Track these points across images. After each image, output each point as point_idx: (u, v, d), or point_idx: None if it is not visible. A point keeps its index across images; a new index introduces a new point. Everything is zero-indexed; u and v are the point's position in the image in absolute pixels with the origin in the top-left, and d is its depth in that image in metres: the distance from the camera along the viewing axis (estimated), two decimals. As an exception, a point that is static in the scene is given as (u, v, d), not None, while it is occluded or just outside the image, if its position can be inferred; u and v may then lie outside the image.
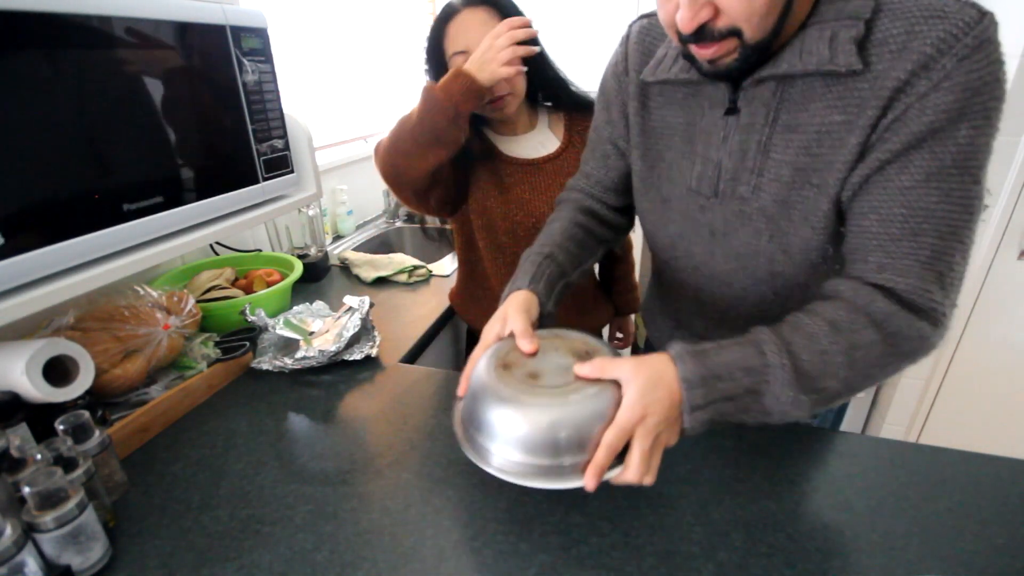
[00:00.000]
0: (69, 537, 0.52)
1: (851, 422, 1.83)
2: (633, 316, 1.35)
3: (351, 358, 0.92)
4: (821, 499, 0.62)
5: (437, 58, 0.93)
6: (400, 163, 0.88)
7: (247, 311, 0.93)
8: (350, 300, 0.99)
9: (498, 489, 0.63)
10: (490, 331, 0.62)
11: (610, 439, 0.48)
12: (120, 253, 0.69)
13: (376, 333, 0.98)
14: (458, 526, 0.60)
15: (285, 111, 0.91)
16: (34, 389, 0.60)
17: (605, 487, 0.49)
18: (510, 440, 0.51)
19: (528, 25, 0.82)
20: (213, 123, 0.79)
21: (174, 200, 0.74)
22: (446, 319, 1.20)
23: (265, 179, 0.89)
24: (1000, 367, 1.58)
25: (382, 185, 1.87)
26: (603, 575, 0.53)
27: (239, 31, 0.80)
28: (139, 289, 0.85)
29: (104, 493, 0.61)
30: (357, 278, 1.36)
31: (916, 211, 0.51)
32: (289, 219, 1.33)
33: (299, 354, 0.90)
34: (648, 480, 0.49)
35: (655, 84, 0.67)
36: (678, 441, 0.52)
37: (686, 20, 0.50)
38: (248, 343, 0.92)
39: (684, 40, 0.53)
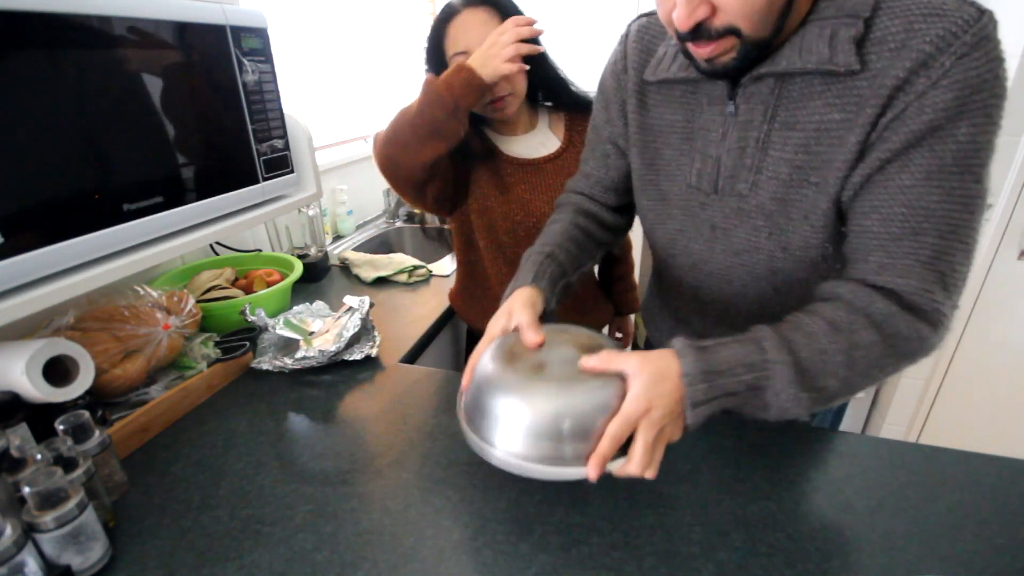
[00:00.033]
0: (69, 537, 0.52)
1: (851, 422, 1.83)
2: (633, 316, 1.35)
3: (351, 358, 0.92)
4: (821, 499, 0.62)
5: (437, 59, 0.93)
6: (398, 154, 0.88)
7: (247, 311, 0.93)
8: (350, 300, 0.99)
9: (498, 489, 0.63)
10: (495, 325, 0.62)
11: (614, 430, 0.48)
12: (120, 253, 0.69)
13: (376, 333, 0.98)
14: (458, 526, 0.60)
15: (285, 111, 0.91)
16: (34, 389, 0.60)
17: (606, 486, 0.49)
18: (514, 429, 0.51)
19: (534, 24, 0.82)
20: (213, 123, 0.79)
21: (174, 200, 0.74)
22: (446, 319, 1.20)
23: (265, 179, 0.89)
24: (1000, 367, 1.58)
25: (382, 185, 1.88)
26: (603, 575, 0.53)
27: (239, 31, 0.80)
28: (139, 289, 0.85)
29: (104, 493, 0.61)
30: (357, 278, 1.36)
31: (917, 210, 0.51)
32: (289, 219, 1.33)
33: (299, 354, 0.90)
34: (650, 473, 0.49)
35: (654, 83, 0.67)
36: (679, 439, 0.52)
37: (682, 18, 0.50)
38: (248, 343, 0.92)
39: (682, 38, 0.53)
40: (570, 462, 0.49)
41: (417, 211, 1.87)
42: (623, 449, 0.49)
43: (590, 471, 0.48)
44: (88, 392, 0.67)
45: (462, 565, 0.55)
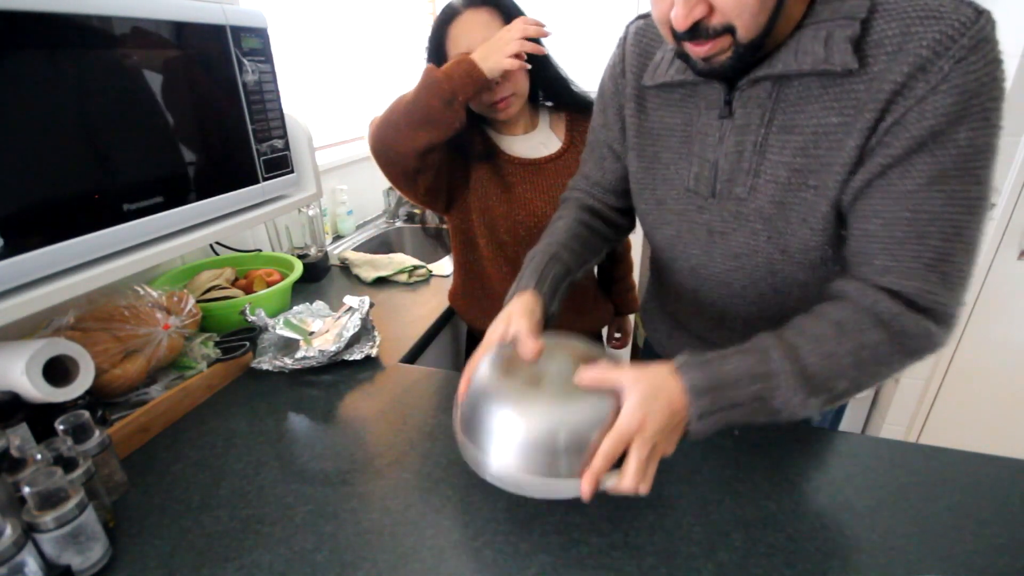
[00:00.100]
0: (69, 537, 0.52)
1: (851, 422, 1.83)
2: (632, 316, 1.35)
3: (351, 358, 0.92)
4: (821, 499, 0.62)
5: (438, 60, 0.93)
6: (389, 136, 0.88)
7: (247, 311, 0.93)
8: (350, 300, 0.99)
9: (498, 489, 0.63)
10: (494, 332, 0.62)
11: (608, 447, 0.48)
12: (120, 253, 0.69)
13: (376, 333, 0.98)
14: (458, 526, 0.60)
15: (285, 111, 0.91)
16: (34, 389, 0.60)
17: (605, 487, 0.49)
18: (508, 444, 0.51)
19: (542, 25, 0.82)
20: (213, 123, 0.79)
21: (174, 200, 0.74)
22: (446, 319, 1.20)
23: (265, 179, 0.89)
24: (1000, 367, 1.58)
25: (382, 185, 1.88)
26: (603, 575, 0.53)
27: (239, 31, 0.80)
28: (139, 289, 0.85)
29: (104, 493, 0.61)
30: (357, 278, 1.36)
31: (920, 214, 0.51)
32: (289, 219, 1.33)
33: (299, 354, 0.90)
34: (643, 489, 0.49)
35: (653, 87, 0.67)
36: (677, 443, 0.52)
37: (680, 17, 0.50)
38: (248, 343, 0.92)
39: (679, 38, 0.53)
40: (563, 478, 0.49)
41: (417, 211, 1.87)
42: (617, 464, 0.49)
43: (583, 489, 0.48)
44: (88, 392, 0.67)
45: (462, 565, 0.55)
